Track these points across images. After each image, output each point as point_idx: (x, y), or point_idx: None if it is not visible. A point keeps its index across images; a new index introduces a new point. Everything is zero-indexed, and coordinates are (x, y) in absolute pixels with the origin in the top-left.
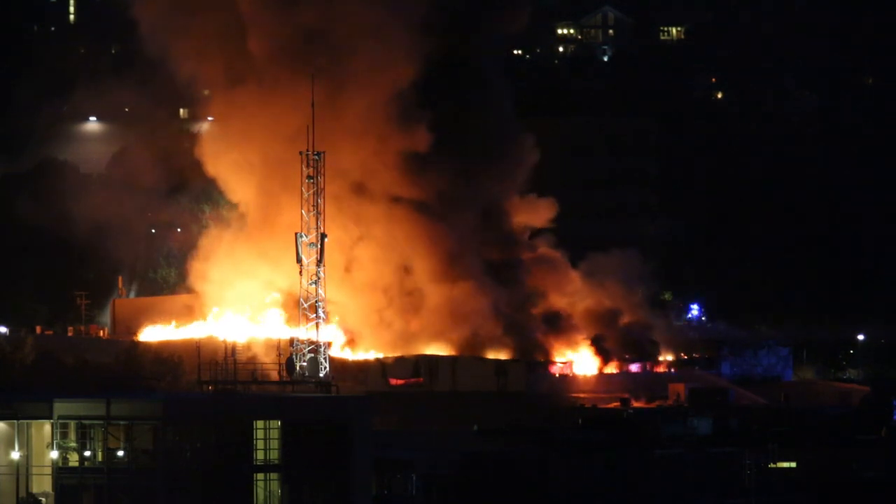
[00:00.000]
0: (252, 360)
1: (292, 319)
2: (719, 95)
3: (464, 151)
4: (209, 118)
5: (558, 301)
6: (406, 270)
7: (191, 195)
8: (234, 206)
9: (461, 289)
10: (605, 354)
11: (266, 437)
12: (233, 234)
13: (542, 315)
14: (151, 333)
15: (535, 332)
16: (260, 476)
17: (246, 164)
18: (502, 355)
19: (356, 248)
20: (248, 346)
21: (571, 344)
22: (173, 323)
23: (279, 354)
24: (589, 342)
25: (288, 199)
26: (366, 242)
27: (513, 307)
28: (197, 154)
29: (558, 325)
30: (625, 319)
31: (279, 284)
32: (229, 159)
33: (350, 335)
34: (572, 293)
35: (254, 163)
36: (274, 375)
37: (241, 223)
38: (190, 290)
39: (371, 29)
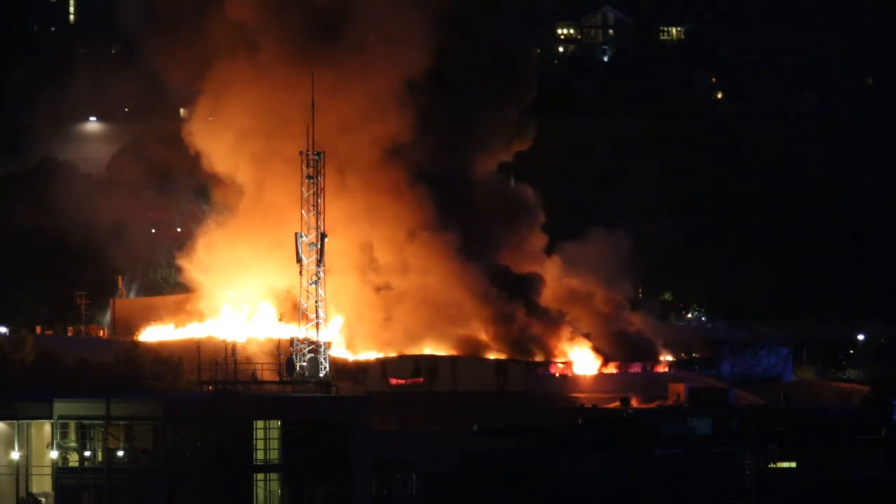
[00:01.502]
0: (248, 360)
1: (287, 317)
2: (719, 95)
3: (449, 138)
4: (209, 118)
5: (543, 291)
6: (374, 259)
7: (191, 195)
8: (232, 200)
9: (443, 279)
10: (590, 340)
11: (266, 437)
12: (230, 229)
13: (526, 303)
14: (151, 333)
15: (521, 319)
16: (260, 476)
17: (242, 146)
18: (490, 343)
19: (338, 239)
20: (245, 347)
21: (557, 330)
22: (184, 324)
23: (279, 354)
24: (576, 332)
25: (285, 187)
26: (346, 233)
27: (500, 297)
28: (186, 134)
29: (543, 314)
30: (607, 305)
31: (274, 282)
32: (225, 142)
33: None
34: (559, 283)
35: (249, 147)
36: (268, 376)
37: (237, 217)
38: (189, 290)
39: (385, 15)
